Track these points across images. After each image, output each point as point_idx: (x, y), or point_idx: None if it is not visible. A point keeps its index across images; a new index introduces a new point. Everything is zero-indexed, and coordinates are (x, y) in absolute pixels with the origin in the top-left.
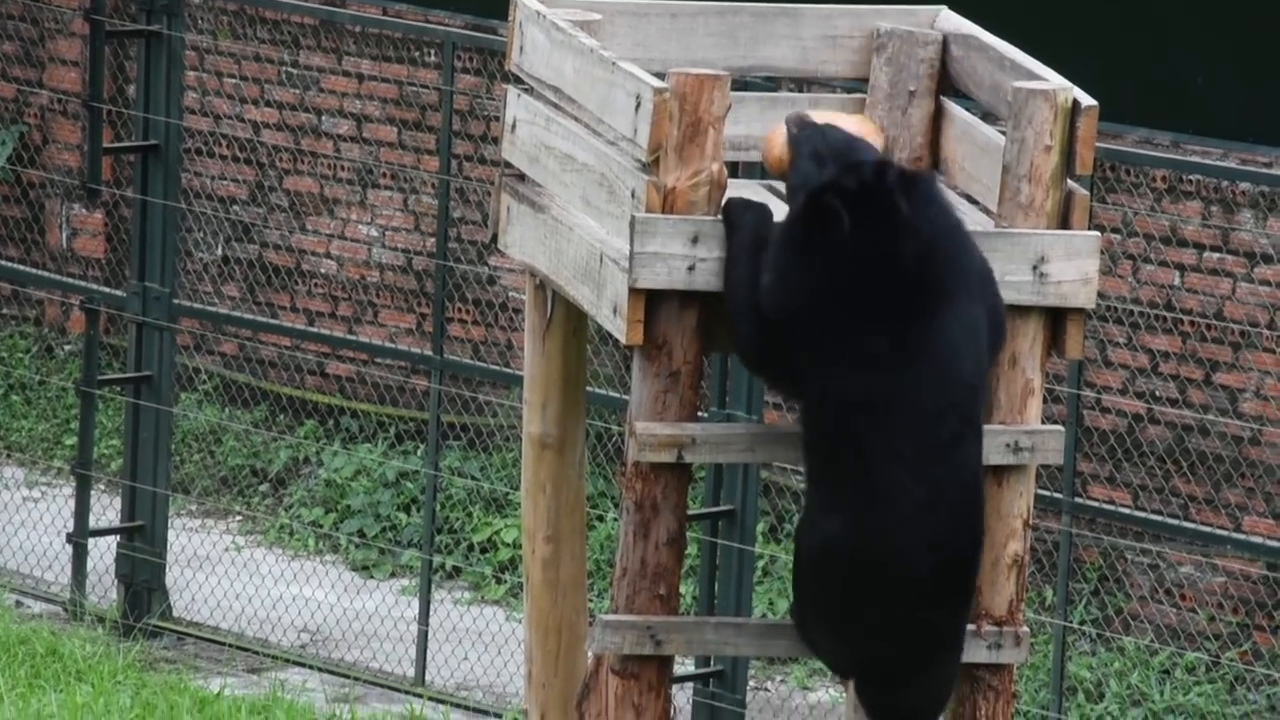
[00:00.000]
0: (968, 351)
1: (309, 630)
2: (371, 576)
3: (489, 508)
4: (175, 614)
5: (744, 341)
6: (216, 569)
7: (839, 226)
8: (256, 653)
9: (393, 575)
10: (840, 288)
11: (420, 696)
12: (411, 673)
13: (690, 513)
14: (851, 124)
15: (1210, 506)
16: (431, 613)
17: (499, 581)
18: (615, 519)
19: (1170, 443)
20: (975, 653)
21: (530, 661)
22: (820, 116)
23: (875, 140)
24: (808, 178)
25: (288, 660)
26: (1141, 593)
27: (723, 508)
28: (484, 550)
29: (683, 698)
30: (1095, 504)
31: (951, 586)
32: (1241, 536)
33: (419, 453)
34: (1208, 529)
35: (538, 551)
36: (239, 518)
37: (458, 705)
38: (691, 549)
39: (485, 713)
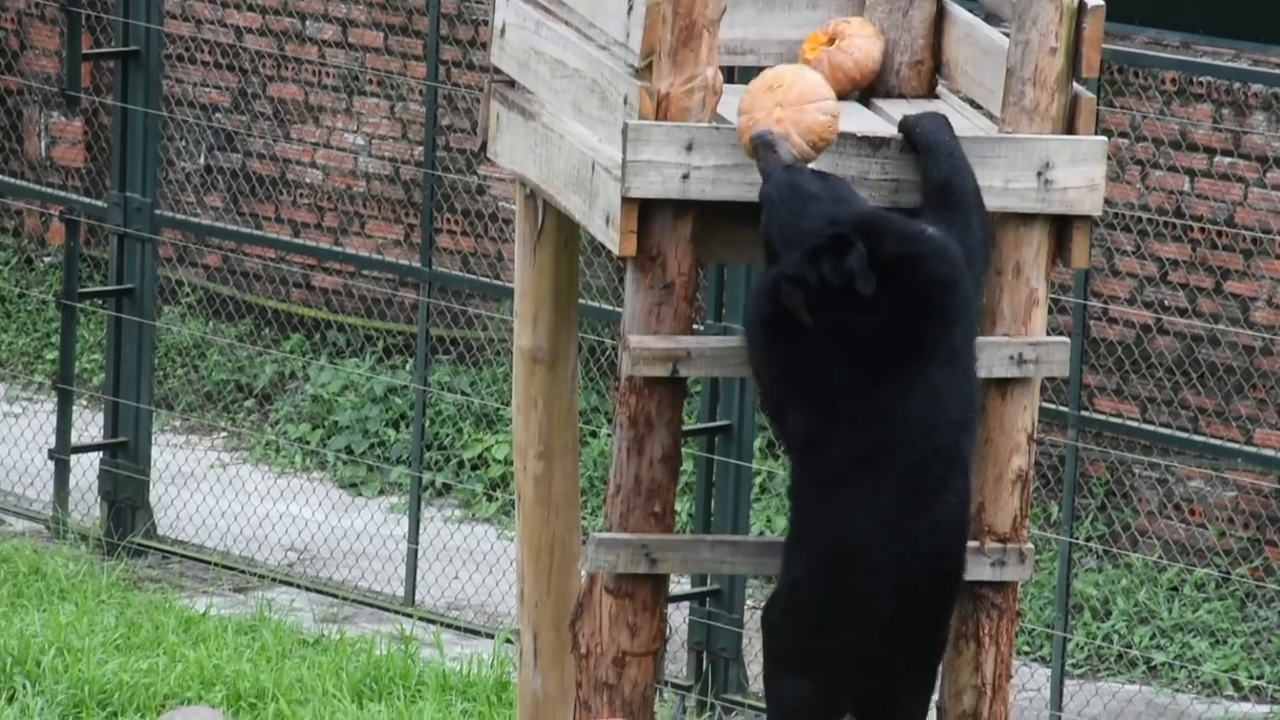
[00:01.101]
0: (949, 400)
1: (296, 549)
2: (360, 494)
3: (479, 424)
4: (160, 532)
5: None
6: (201, 486)
7: (802, 321)
8: (243, 571)
9: (381, 493)
10: (808, 363)
11: (410, 616)
12: (401, 592)
13: (685, 428)
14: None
15: (1220, 419)
16: (421, 531)
17: (490, 499)
18: (609, 435)
19: (1179, 353)
20: (979, 570)
21: (522, 581)
22: (769, 103)
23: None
24: (774, 256)
25: (275, 579)
26: (1149, 508)
27: (719, 423)
28: (474, 467)
29: (678, 617)
30: (1102, 417)
31: (925, 624)
32: (1253, 449)
33: (407, 367)
34: (1218, 442)
35: (529, 468)
36: (224, 434)
37: (448, 625)
38: (687, 465)
39: (476, 633)
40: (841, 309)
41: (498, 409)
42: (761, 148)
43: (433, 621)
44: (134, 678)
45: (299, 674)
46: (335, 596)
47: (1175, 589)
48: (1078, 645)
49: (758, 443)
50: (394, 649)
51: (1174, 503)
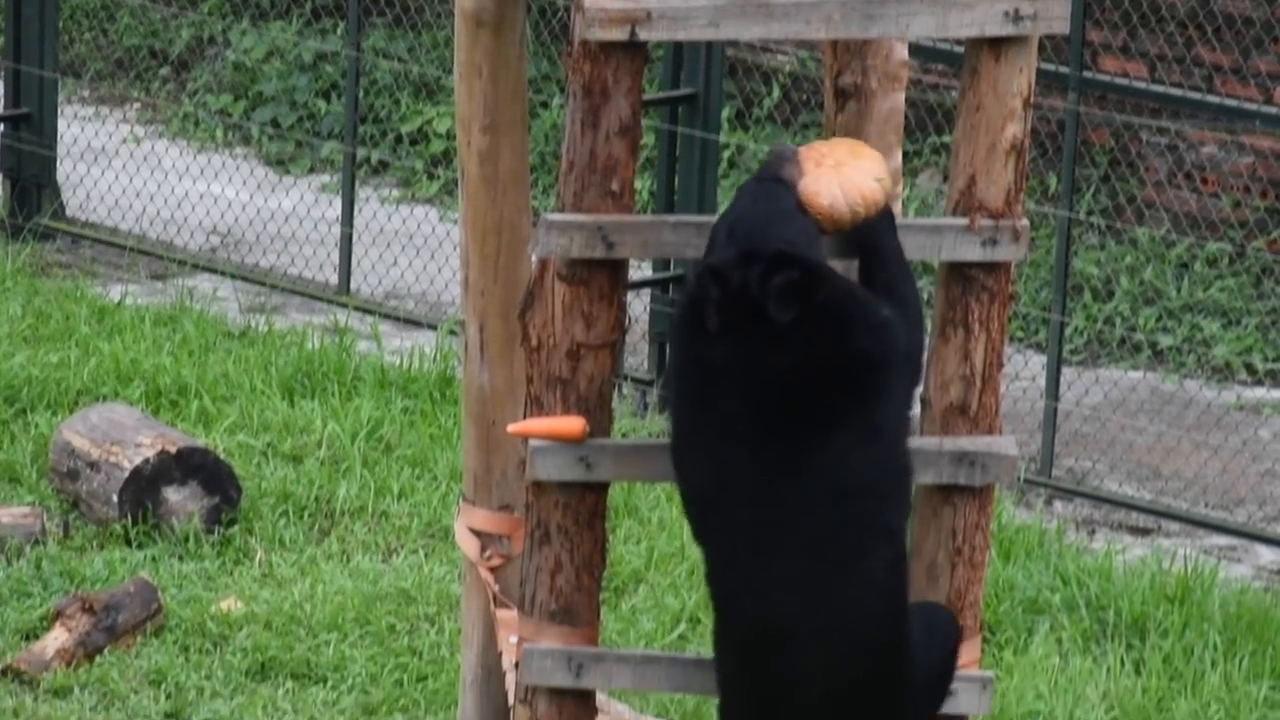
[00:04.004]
0: (862, 472)
1: (219, 232)
2: (288, 172)
3: (419, 94)
4: (68, 213)
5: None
6: (114, 163)
7: (708, 323)
8: (161, 257)
9: (311, 170)
10: (707, 386)
11: (344, 306)
12: (334, 280)
13: (646, 98)
14: (858, 159)
15: (1237, 77)
16: (356, 213)
17: (431, 177)
18: (561, 106)
19: (1192, 4)
20: (968, 250)
21: (467, 267)
22: (824, 148)
23: (879, 171)
24: (712, 249)
25: (196, 266)
26: (1157, 177)
27: (683, 91)
28: (414, 142)
29: (638, 306)
30: (1106, 78)
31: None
32: (1272, 110)
33: (339, 31)
34: (1234, 103)
35: (474, 143)
36: (137, 105)
37: (386, 316)
38: (648, 139)
39: (417, 324)
40: (754, 337)
41: (439, 78)
42: (776, 156)
43: (369, 311)
44: (44, 372)
45: (224, 368)
46: (262, 285)
47: (1184, 266)
48: (1076, 330)
49: (726, 113)
50: (327, 341)
51: (1184, 171)
